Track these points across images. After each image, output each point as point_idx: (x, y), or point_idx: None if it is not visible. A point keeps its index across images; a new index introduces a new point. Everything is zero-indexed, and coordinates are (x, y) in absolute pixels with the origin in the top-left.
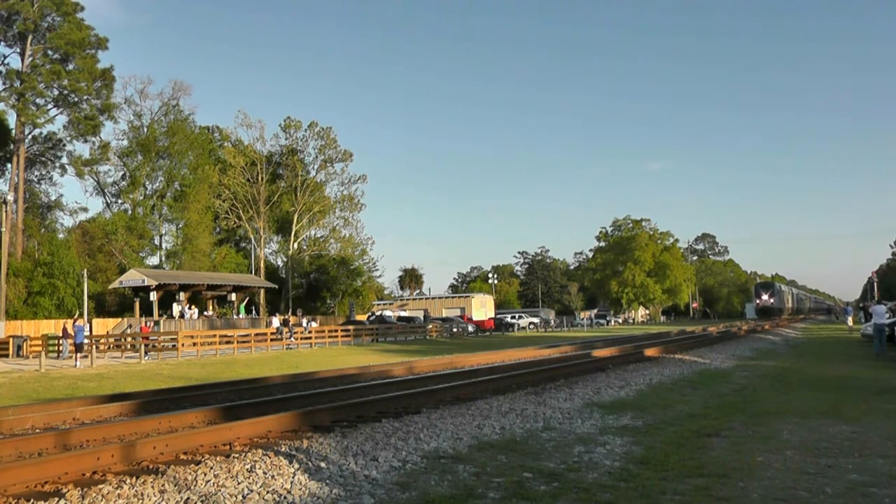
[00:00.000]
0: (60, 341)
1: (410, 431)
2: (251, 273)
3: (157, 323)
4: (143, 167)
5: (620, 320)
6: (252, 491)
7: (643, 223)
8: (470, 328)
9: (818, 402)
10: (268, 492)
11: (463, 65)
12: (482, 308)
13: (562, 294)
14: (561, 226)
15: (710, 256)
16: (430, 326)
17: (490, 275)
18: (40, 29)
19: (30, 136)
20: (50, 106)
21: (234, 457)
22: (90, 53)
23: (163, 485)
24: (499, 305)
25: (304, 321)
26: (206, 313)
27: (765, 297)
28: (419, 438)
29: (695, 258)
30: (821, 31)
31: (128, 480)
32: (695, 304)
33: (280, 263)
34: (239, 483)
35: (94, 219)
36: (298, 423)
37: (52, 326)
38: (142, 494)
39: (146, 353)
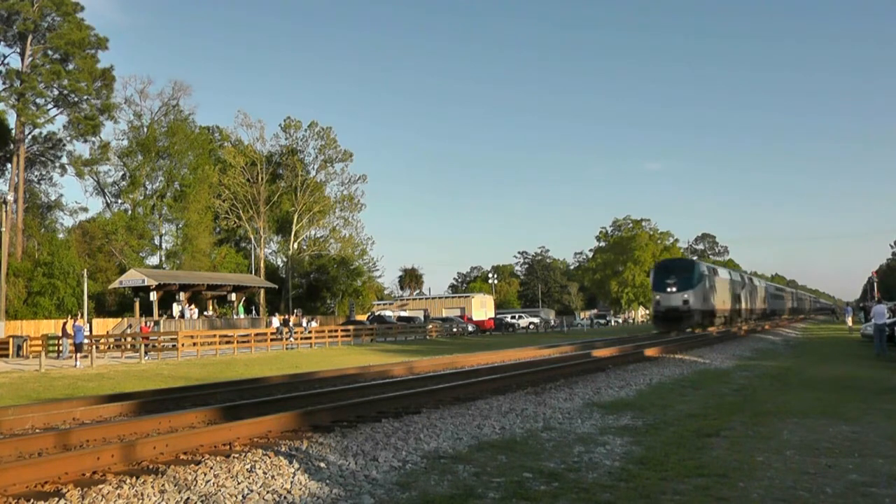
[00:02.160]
0: (60, 341)
1: (410, 431)
2: (251, 273)
3: (157, 323)
4: (143, 167)
5: (620, 320)
6: (252, 491)
7: (643, 223)
8: (470, 328)
9: (818, 402)
10: (268, 492)
11: (463, 65)
12: (482, 308)
13: (562, 294)
14: (561, 226)
15: (710, 256)
16: (430, 326)
17: (490, 275)
18: (40, 29)
19: (30, 136)
20: (50, 106)
21: (234, 457)
22: (90, 53)
23: (163, 485)
24: (499, 305)
25: (304, 321)
26: (206, 313)
27: (672, 289)
28: (419, 438)
29: (695, 258)
30: (821, 31)
31: (128, 480)
32: None
33: (280, 263)
34: (239, 483)
35: (94, 219)
36: (298, 423)
37: (52, 326)
38: (142, 494)
39: (146, 353)
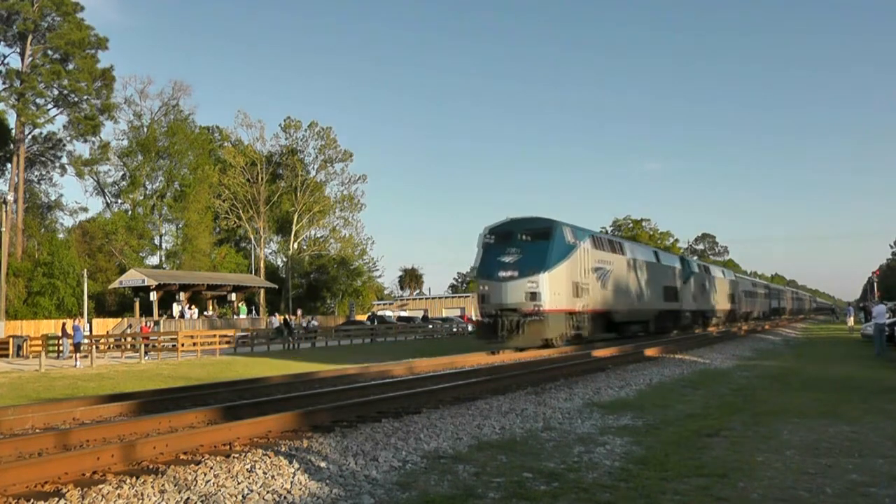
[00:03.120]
0: (60, 341)
1: (410, 431)
2: (251, 273)
3: (157, 323)
4: (143, 167)
5: None
6: (252, 491)
7: (643, 223)
8: (470, 328)
9: (818, 402)
10: (268, 492)
11: (463, 65)
12: None
13: None
14: None
15: (710, 256)
16: (430, 326)
17: None
18: (40, 29)
19: (30, 136)
20: (50, 106)
21: (234, 457)
22: (90, 53)
23: (163, 485)
24: None
25: (304, 321)
26: (206, 313)
27: (508, 272)
28: (419, 438)
29: (695, 258)
30: (821, 31)
31: (128, 480)
32: None
33: (280, 263)
34: (239, 483)
35: (94, 219)
36: (298, 423)
37: (52, 326)
38: (142, 494)
39: (146, 353)
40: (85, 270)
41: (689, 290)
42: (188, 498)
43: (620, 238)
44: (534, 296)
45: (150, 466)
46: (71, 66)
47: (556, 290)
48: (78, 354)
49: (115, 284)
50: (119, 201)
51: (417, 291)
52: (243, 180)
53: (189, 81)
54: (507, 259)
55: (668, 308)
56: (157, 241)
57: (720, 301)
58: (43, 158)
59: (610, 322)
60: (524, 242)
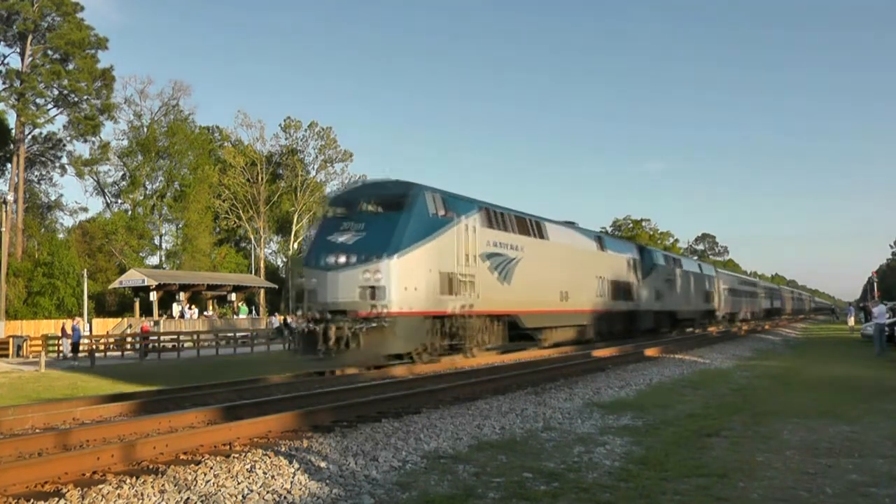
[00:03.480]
0: (60, 341)
1: (410, 431)
2: (251, 273)
3: (157, 323)
4: (143, 167)
5: None
6: (252, 491)
7: (643, 223)
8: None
9: (818, 402)
10: (268, 492)
11: (464, 64)
12: None
13: None
14: None
15: (710, 256)
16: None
17: None
18: (40, 29)
19: (30, 136)
20: (50, 106)
21: (234, 457)
22: (90, 53)
23: (163, 485)
24: None
25: None
26: (206, 313)
27: (343, 258)
28: (419, 438)
29: (695, 258)
30: (821, 32)
31: (128, 480)
32: None
33: (280, 263)
34: (239, 483)
35: (94, 219)
36: (298, 423)
37: (52, 326)
38: (142, 494)
39: (146, 353)
40: (85, 270)
41: (649, 287)
42: (188, 498)
43: (538, 216)
44: (374, 291)
45: (150, 466)
46: (71, 66)
47: (410, 282)
48: (76, 354)
49: (115, 284)
50: (119, 201)
51: None
52: (243, 180)
53: (189, 81)
54: (340, 239)
55: (618, 309)
56: (157, 241)
57: (695, 300)
58: (43, 158)
59: (517, 328)
60: (369, 216)
